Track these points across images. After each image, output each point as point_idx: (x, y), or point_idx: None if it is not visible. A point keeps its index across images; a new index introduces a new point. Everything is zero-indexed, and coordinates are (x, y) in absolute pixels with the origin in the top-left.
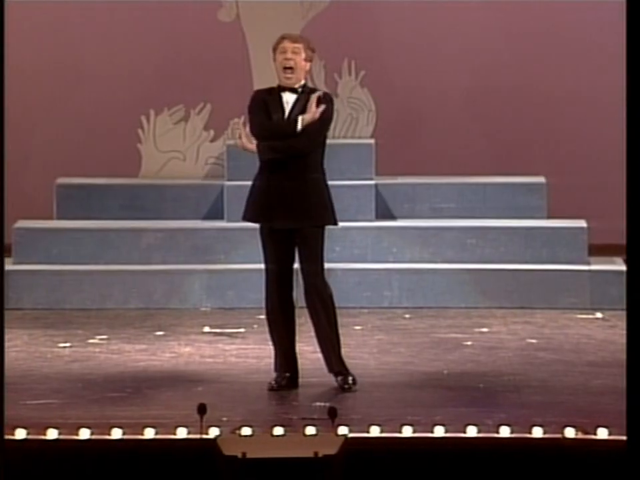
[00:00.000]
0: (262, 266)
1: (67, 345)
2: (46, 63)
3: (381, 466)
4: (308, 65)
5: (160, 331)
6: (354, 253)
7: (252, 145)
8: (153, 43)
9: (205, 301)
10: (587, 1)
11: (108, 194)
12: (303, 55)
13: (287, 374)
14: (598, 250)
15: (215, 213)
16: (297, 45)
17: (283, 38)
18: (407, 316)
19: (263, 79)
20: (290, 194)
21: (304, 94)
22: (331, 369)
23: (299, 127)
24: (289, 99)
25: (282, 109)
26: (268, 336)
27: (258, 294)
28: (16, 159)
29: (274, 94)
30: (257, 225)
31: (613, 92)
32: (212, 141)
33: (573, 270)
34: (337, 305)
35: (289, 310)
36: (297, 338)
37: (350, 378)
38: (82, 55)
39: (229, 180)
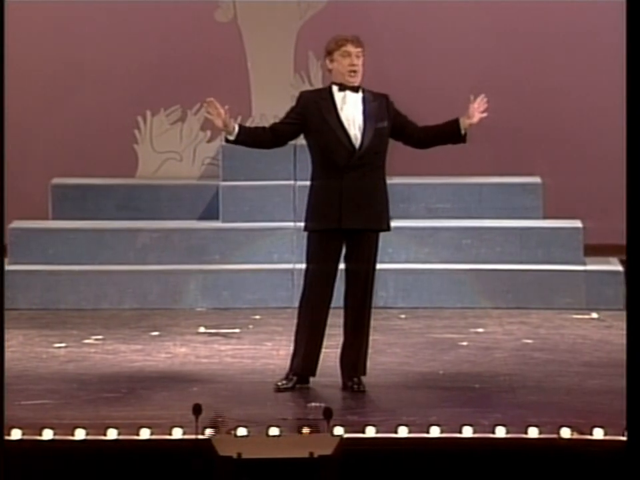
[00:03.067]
0: (257, 266)
1: (62, 345)
2: (42, 63)
3: (377, 466)
4: (364, 66)
5: (155, 331)
6: None
7: (222, 124)
8: (149, 44)
9: (201, 302)
10: (586, 1)
11: (103, 194)
12: (362, 59)
13: (295, 377)
14: (593, 250)
15: (210, 213)
16: (360, 49)
17: (346, 40)
18: (403, 316)
19: (260, 79)
20: (363, 195)
21: (368, 97)
22: (348, 372)
23: (462, 132)
24: (350, 98)
25: (336, 112)
26: (263, 336)
27: (253, 294)
28: (12, 159)
29: (324, 95)
30: (251, 225)
31: (609, 93)
32: (208, 141)
33: (569, 270)
34: (332, 305)
35: (326, 312)
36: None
37: (362, 385)
38: (78, 55)
39: (224, 180)
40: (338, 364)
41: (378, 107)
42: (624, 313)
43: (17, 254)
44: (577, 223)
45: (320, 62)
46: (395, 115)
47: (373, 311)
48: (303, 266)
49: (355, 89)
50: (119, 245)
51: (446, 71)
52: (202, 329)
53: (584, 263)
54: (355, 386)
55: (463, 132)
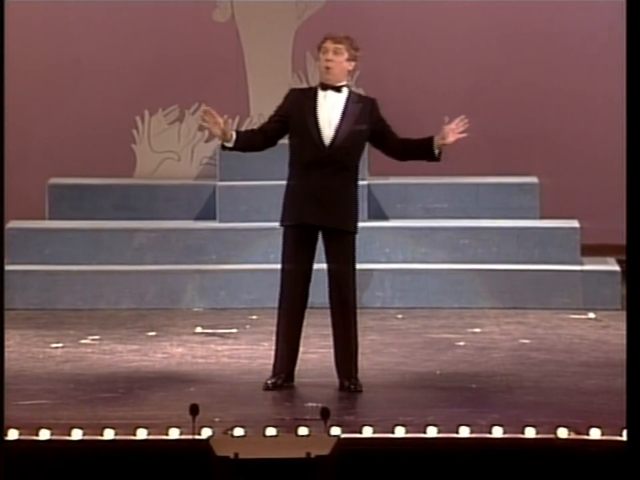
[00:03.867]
0: (255, 266)
1: (59, 345)
2: (40, 63)
3: (374, 466)
4: (351, 64)
5: (152, 331)
6: None
7: (220, 132)
8: (147, 43)
9: (197, 302)
10: (585, 1)
11: (100, 194)
12: (346, 55)
13: (283, 374)
14: (591, 250)
15: (208, 213)
16: (338, 46)
17: (326, 38)
18: (400, 316)
19: (258, 79)
20: (329, 193)
21: (352, 98)
22: (341, 373)
23: (436, 153)
24: (331, 97)
25: (314, 110)
26: (260, 336)
27: (250, 294)
28: (9, 159)
29: (310, 93)
30: (248, 225)
31: (607, 92)
32: (206, 141)
33: (566, 270)
34: (328, 304)
35: (302, 310)
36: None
37: (359, 384)
38: (76, 55)
39: (221, 180)
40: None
41: (360, 110)
42: (621, 313)
43: (14, 254)
44: (574, 223)
45: (318, 62)
46: (377, 120)
47: (363, 310)
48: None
49: (337, 89)
50: (116, 245)
51: (445, 71)
52: (199, 329)
53: (581, 263)
54: (352, 386)
55: (436, 151)
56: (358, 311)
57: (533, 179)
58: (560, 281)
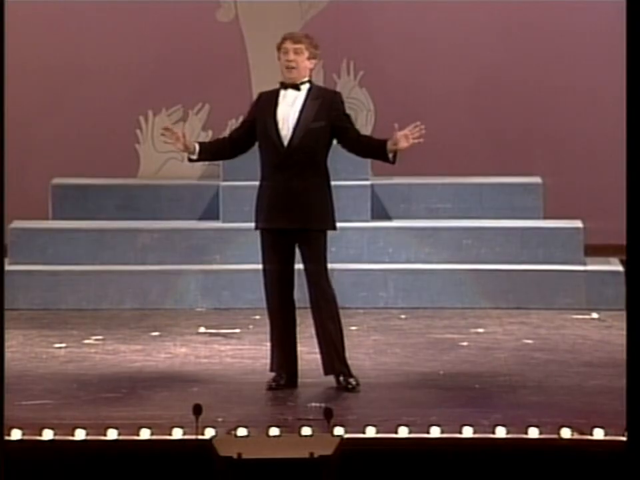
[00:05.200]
0: (258, 266)
1: (62, 345)
2: (43, 63)
3: (377, 467)
4: (312, 62)
5: (155, 331)
6: (350, 254)
7: (182, 147)
8: (151, 43)
9: (201, 302)
10: (587, 1)
11: (103, 194)
12: (306, 54)
13: (285, 374)
14: (594, 250)
15: (211, 213)
16: (298, 46)
17: (285, 38)
18: (403, 316)
19: (262, 79)
20: (292, 195)
21: (311, 94)
22: (331, 370)
23: (390, 157)
24: (289, 96)
25: (274, 111)
26: (263, 336)
27: (253, 294)
28: (12, 159)
29: (274, 93)
30: (252, 225)
31: (610, 92)
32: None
33: (569, 270)
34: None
35: (290, 310)
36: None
37: (352, 379)
38: (80, 54)
39: (224, 180)
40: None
41: (319, 105)
42: (624, 313)
43: (17, 254)
44: (578, 223)
45: (322, 62)
46: (337, 114)
47: (367, 311)
48: (302, 265)
49: (295, 87)
50: (119, 245)
51: (446, 71)
52: (202, 329)
53: (584, 263)
54: (349, 385)
55: (390, 155)
56: (362, 311)
57: (537, 179)
58: (563, 281)
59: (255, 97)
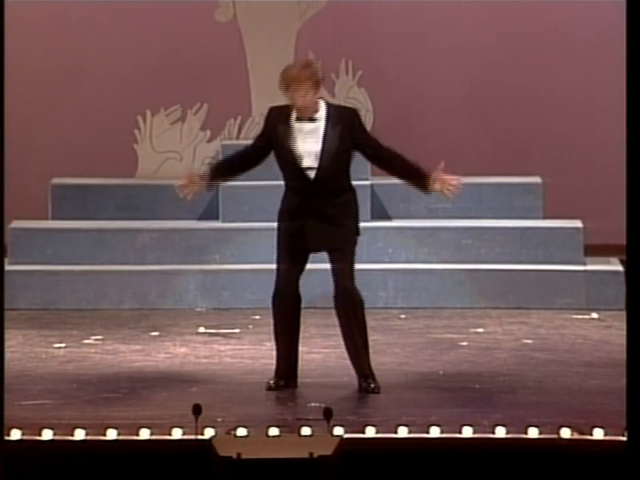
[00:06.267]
0: (257, 266)
1: (62, 345)
2: (42, 62)
3: (377, 467)
4: (319, 90)
5: (155, 331)
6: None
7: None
8: (149, 43)
9: (200, 302)
10: (586, 1)
11: (103, 194)
12: (313, 90)
13: (285, 375)
14: (594, 250)
15: (210, 213)
16: (304, 88)
17: (289, 81)
18: (403, 316)
19: (260, 79)
20: (321, 220)
21: (330, 121)
22: (356, 369)
23: (429, 189)
24: (307, 127)
25: (294, 142)
26: (263, 336)
27: (253, 294)
28: (11, 159)
29: (287, 117)
30: (251, 225)
31: (609, 92)
32: (208, 141)
33: (569, 270)
34: (330, 305)
35: (297, 310)
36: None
37: (373, 382)
38: (78, 54)
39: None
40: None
41: (340, 131)
42: (624, 313)
43: (16, 254)
44: (577, 223)
45: (320, 62)
46: (358, 131)
47: (367, 310)
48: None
49: (312, 120)
50: (118, 245)
51: (445, 71)
52: (202, 329)
53: (584, 263)
54: (369, 387)
55: (429, 190)
56: None
57: (536, 179)
58: (563, 281)
59: (253, 96)
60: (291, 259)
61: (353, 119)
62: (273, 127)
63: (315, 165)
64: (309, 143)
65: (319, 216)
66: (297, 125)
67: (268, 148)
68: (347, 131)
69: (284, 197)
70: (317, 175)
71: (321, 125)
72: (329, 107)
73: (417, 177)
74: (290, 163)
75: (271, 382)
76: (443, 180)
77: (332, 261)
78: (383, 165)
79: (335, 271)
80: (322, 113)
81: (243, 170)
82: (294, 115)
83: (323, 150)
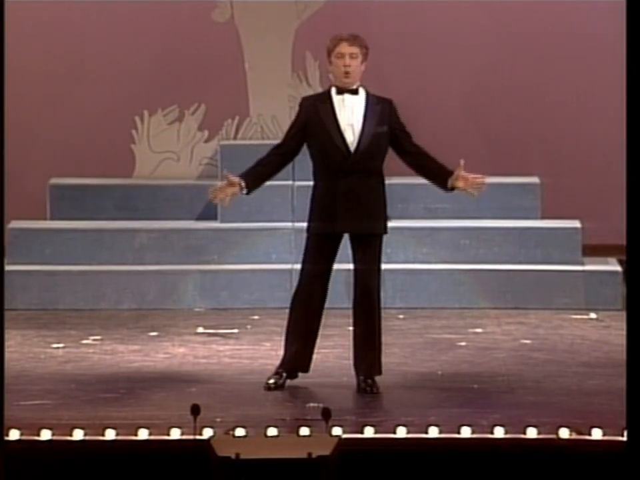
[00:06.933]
0: (256, 267)
1: (60, 345)
2: (39, 63)
3: (375, 467)
4: (364, 65)
5: (153, 331)
6: (347, 254)
7: (235, 188)
8: (146, 43)
9: (199, 302)
10: (584, 1)
11: (101, 194)
12: (360, 58)
13: (285, 374)
14: (592, 250)
15: (209, 213)
16: (353, 50)
17: (339, 40)
18: (401, 316)
19: (258, 80)
20: (356, 198)
21: (371, 100)
22: (356, 368)
23: (448, 186)
24: (349, 101)
25: (334, 115)
26: (262, 336)
27: (252, 294)
28: (9, 159)
29: (324, 98)
30: (250, 225)
31: (607, 93)
32: (206, 141)
33: (567, 270)
34: (329, 305)
35: (319, 311)
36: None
37: (373, 384)
38: (75, 55)
39: (222, 180)
40: (352, 366)
41: (380, 111)
42: (622, 313)
43: (15, 254)
44: (576, 223)
45: (318, 62)
46: (395, 121)
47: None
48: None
49: (353, 92)
50: (117, 245)
51: (444, 71)
52: (200, 329)
53: (582, 263)
54: (369, 388)
55: (449, 187)
56: None
57: (535, 179)
58: (561, 281)
59: (250, 96)
60: (319, 251)
61: (391, 106)
62: (310, 108)
63: (356, 139)
64: (349, 116)
65: (352, 195)
66: (337, 98)
67: (303, 135)
68: (386, 115)
69: (314, 191)
70: (356, 148)
71: (362, 100)
72: (368, 92)
73: (443, 176)
74: (329, 138)
75: (270, 382)
76: (466, 178)
77: (355, 262)
78: (412, 161)
79: (356, 271)
80: (363, 92)
81: (278, 168)
82: (334, 91)
83: (363, 124)
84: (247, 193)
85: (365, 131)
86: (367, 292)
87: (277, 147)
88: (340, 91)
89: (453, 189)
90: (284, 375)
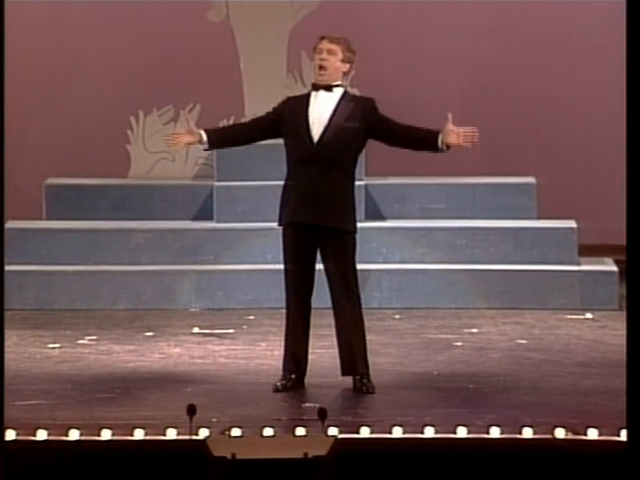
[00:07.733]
0: (252, 267)
1: (56, 345)
2: (35, 63)
3: (371, 467)
4: (346, 66)
5: (149, 331)
6: None
7: (194, 137)
8: (142, 43)
9: (194, 302)
10: (582, 1)
11: (97, 194)
12: (340, 56)
13: (293, 375)
14: (588, 250)
15: (205, 213)
16: (332, 47)
17: (322, 38)
18: (397, 316)
19: (253, 80)
20: (316, 191)
21: (346, 97)
22: (349, 371)
23: (439, 144)
24: (322, 96)
25: (306, 110)
26: (257, 337)
27: (247, 295)
28: (6, 159)
29: (304, 96)
30: (246, 225)
31: (603, 93)
32: None
33: (563, 270)
34: (325, 305)
35: (306, 312)
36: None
37: (369, 382)
38: (71, 55)
39: (218, 180)
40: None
41: (353, 107)
42: (618, 313)
43: (11, 254)
44: (571, 223)
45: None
46: (376, 120)
47: (364, 310)
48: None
49: (328, 88)
50: (112, 245)
51: (440, 71)
52: (196, 330)
53: (578, 263)
54: (365, 388)
55: (442, 147)
56: None
57: (530, 180)
58: (557, 281)
59: (245, 96)
60: (296, 254)
61: (369, 103)
62: (289, 103)
63: (321, 131)
64: (319, 110)
65: (310, 185)
66: (313, 94)
67: (276, 122)
68: (359, 111)
69: (284, 182)
70: (319, 140)
71: (336, 97)
72: (348, 91)
73: (433, 136)
74: (296, 130)
75: (278, 384)
76: (457, 132)
77: (324, 260)
78: (396, 139)
79: (327, 271)
80: (339, 90)
81: (244, 139)
82: (312, 88)
83: (331, 118)
84: (207, 149)
85: (331, 124)
86: (341, 291)
87: (250, 120)
88: (316, 87)
89: (447, 147)
90: (291, 377)
